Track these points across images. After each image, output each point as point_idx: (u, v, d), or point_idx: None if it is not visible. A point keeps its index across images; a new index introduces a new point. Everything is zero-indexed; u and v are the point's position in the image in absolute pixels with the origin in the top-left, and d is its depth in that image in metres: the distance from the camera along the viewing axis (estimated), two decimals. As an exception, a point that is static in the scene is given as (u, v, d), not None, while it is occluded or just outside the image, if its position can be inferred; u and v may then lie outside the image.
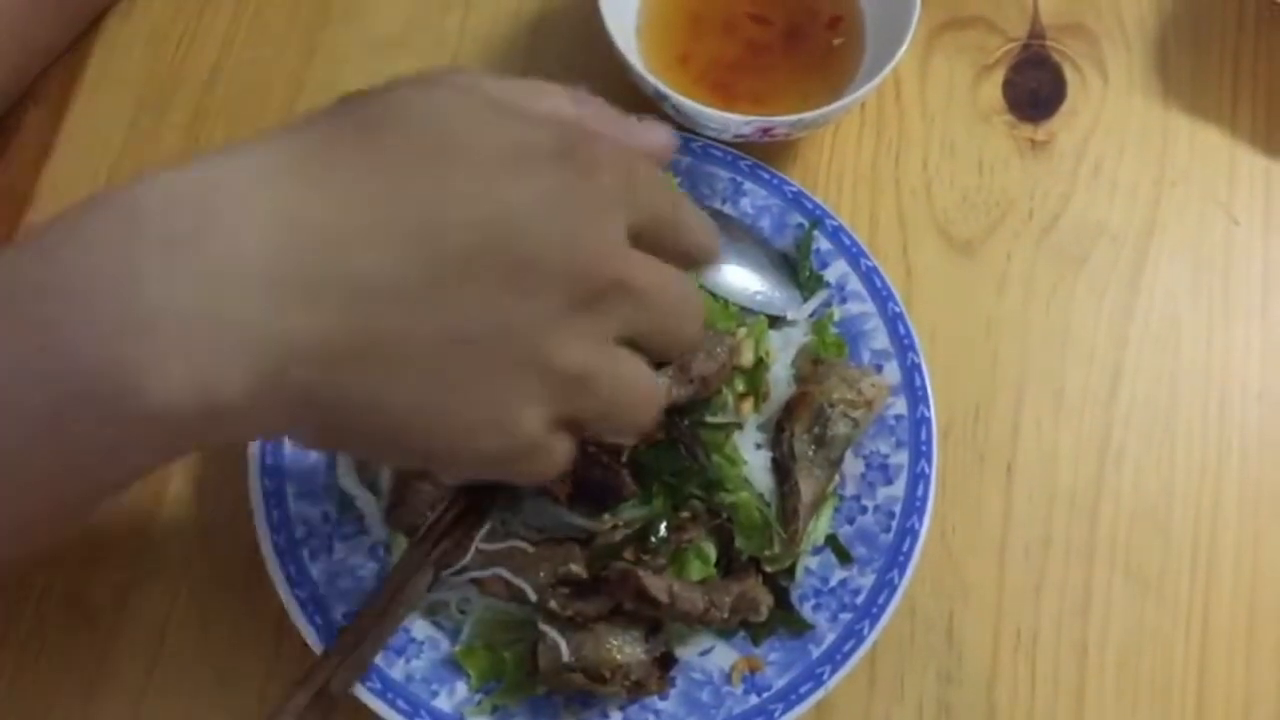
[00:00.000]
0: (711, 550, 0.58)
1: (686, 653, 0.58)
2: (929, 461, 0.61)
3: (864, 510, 0.61)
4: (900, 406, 0.62)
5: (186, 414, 0.35)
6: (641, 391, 0.42)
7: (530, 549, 0.57)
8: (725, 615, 0.56)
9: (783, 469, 0.59)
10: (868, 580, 0.59)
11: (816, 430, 0.59)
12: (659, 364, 0.50)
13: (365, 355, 0.37)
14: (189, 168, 0.37)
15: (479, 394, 0.39)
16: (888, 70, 0.64)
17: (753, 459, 0.59)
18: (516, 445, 0.40)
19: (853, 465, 0.61)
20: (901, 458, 0.61)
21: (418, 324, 0.38)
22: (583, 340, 0.39)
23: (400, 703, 0.56)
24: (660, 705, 0.57)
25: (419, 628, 0.58)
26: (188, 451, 0.41)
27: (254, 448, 0.59)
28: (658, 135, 0.46)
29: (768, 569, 0.58)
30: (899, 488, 0.60)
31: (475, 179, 0.38)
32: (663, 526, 0.57)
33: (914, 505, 0.60)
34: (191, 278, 0.35)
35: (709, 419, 0.58)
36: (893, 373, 0.63)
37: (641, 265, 0.40)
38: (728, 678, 0.58)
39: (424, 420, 0.39)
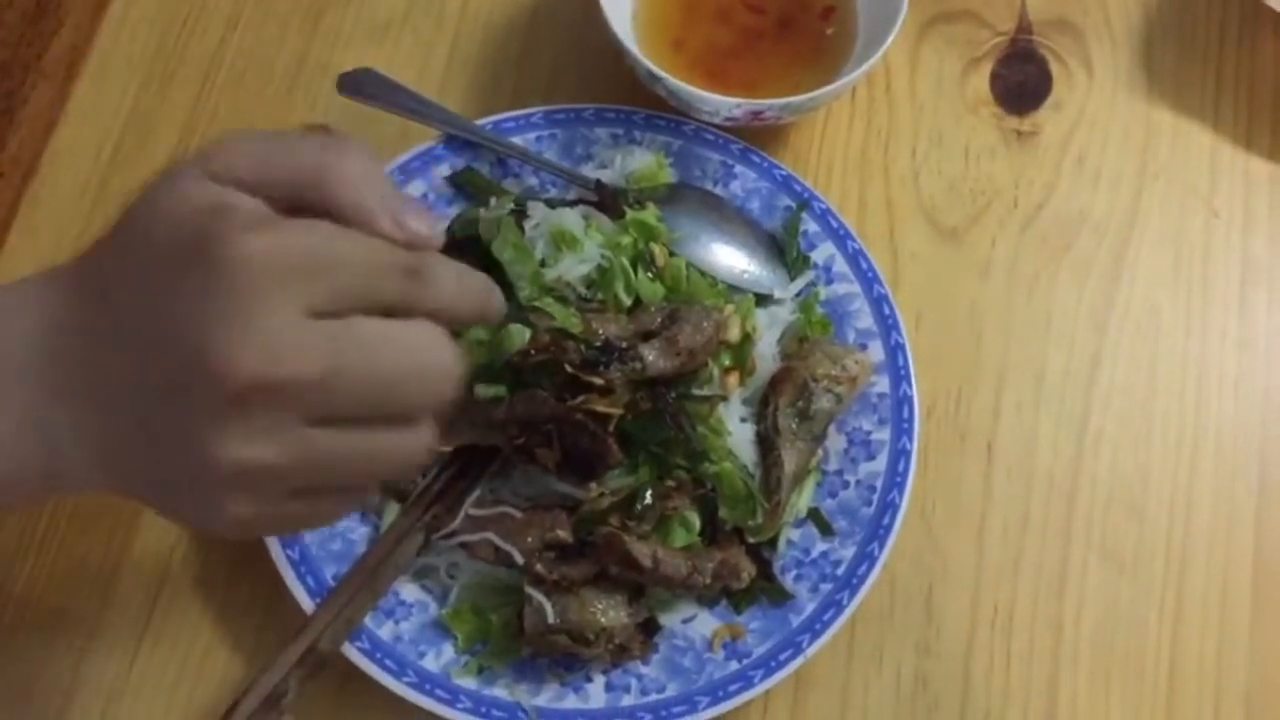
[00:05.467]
0: (695, 519, 0.59)
1: (669, 620, 0.60)
2: (910, 438, 0.62)
3: (846, 484, 0.62)
4: (883, 384, 0.63)
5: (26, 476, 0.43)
6: (375, 454, 0.41)
7: (518, 515, 0.58)
8: (707, 581, 0.57)
9: (766, 442, 0.61)
10: (848, 552, 0.60)
11: (800, 404, 0.61)
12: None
13: (116, 454, 0.42)
14: None
15: (187, 493, 0.41)
16: (876, 58, 0.66)
17: (737, 432, 0.61)
18: (242, 526, 0.41)
19: (835, 440, 0.63)
20: (884, 434, 0.62)
21: (129, 435, 0.41)
22: (240, 439, 0.38)
23: (388, 662, 0.57)
24: (643, 670, 0.58)
25: (408, 590, 0.60)
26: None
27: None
28: (410, 222, 0.41)
29: (750, 539, 0.60)
30: (880, 463, 0.62)
31: (141, 293, 0.40)
32: (648, 495, 0.58)
33: (895, 480, 0.61)
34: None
35: (695, 391, 0.60)
36: (877, 352, 0.64)
37: (312, 350, 0.38)
38: (709, 644, 0.59)
39: (178, 512, 0.44)
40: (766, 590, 0.60)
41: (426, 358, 0.40)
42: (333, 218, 0.40)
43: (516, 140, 0.67)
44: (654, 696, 0.57)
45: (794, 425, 0.61)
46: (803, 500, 0.61)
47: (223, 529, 0.41)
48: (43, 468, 0.42)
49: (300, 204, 0.40)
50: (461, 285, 0.42)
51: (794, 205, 0.67)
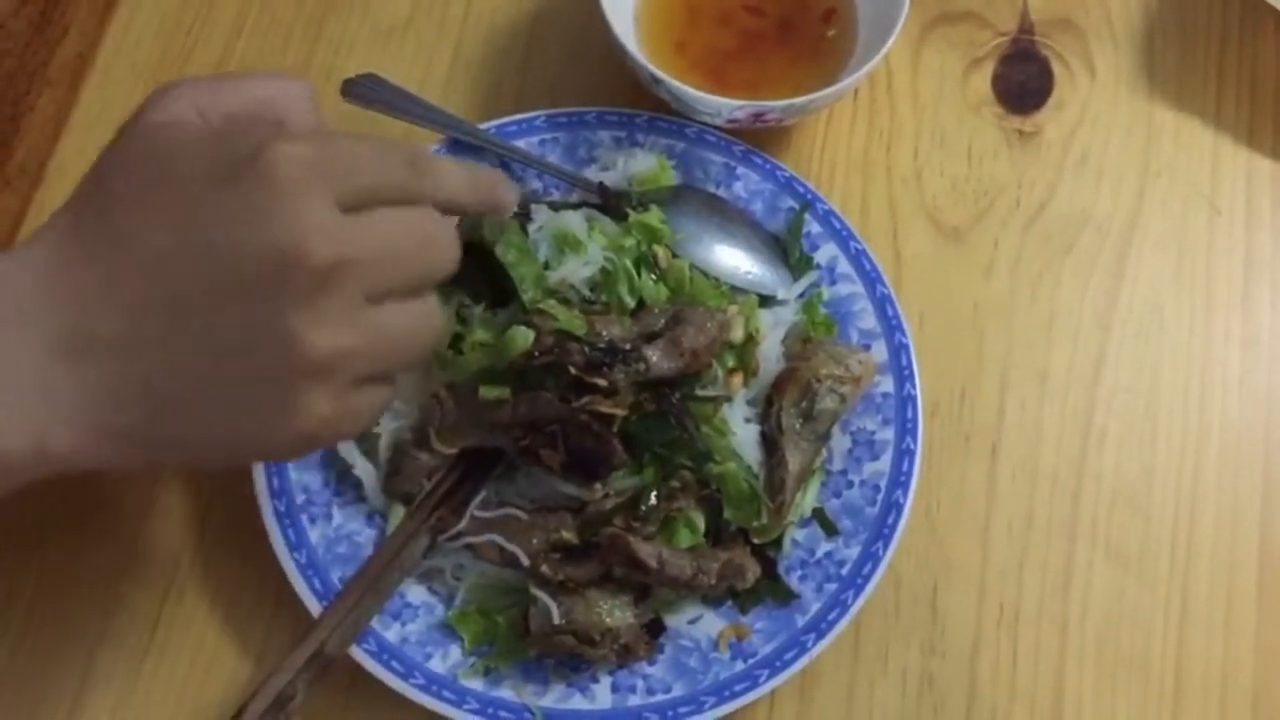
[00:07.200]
0: (700, 520, 0.59)
1: (675, 620, 0.60)
2: (914, 438, 0.62)
3: (850, 484, 0.62)
4: (887, 384, 0.63)
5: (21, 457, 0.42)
6: (411, 329, 0.45)
7: (524, 516, 0.59)
8: (712, 581, 0.57)
9: (770, 442, 0.61)
10: (853, 552, 0.60)
11: (804, 405, 0.61)
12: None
13: (145, 399, 0.42)
14: None
15: (258, 404, 0.42)
16: (877, 59, 0.66)
17: (742, 432, 0.61)
18: (316, 425, 0.43)
19: (840, 441, 0.63)
20: (888, 434, 0.62)
21: (175, 362, 0.42)
22: (324, 324, 0.41)
23: (395, 664, 0.57)
24: (649, 670, 0.58)
25: (414, 593, 0.60)
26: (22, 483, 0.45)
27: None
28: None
29: (755, 539, 0.60)
30: (885, 463, 0.62)
31: (177, 208, 0.42)
32: (653, 495, 0.58)
33: (899, 480, 0.61)
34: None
35: (698, 392, 0.60)
36: (880, 352, 0.64)
37: (358, 232, 0.42)
38: (715, 644, 0.59)
39: (224, 441, 0.44)
40: (771, 590, 0.60)
41: (437, 233, 0.45)
42: None
43: (519, 144, 0.68)
44: (660, 697, 0.58)
45: (798, 425, 0.61)
46: (807, 500, 0.61)
47: (291, 439, 0.43)
48: (33, 442, 0.42)
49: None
50: (462, 175, 0.48)
51: (797, 206, 0.67)
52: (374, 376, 0.45)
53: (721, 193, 0.68)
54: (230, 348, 0.41)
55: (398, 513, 0.60)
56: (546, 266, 0.61)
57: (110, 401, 0.42)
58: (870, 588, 0.59)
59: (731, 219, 0.66)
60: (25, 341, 0.41)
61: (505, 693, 0.57)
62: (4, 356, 0.41)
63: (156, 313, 0.41)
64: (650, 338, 0.59)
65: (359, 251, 0.41)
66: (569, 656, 0.58)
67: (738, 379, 0.61)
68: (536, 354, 0.57)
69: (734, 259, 0.65)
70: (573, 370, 0.57)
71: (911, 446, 0.62)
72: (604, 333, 0.58)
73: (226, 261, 0.41)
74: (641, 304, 0.61)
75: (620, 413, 0.57)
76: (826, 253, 0.66)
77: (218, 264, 0.41)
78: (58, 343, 0.41)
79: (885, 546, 0.60)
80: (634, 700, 0.58)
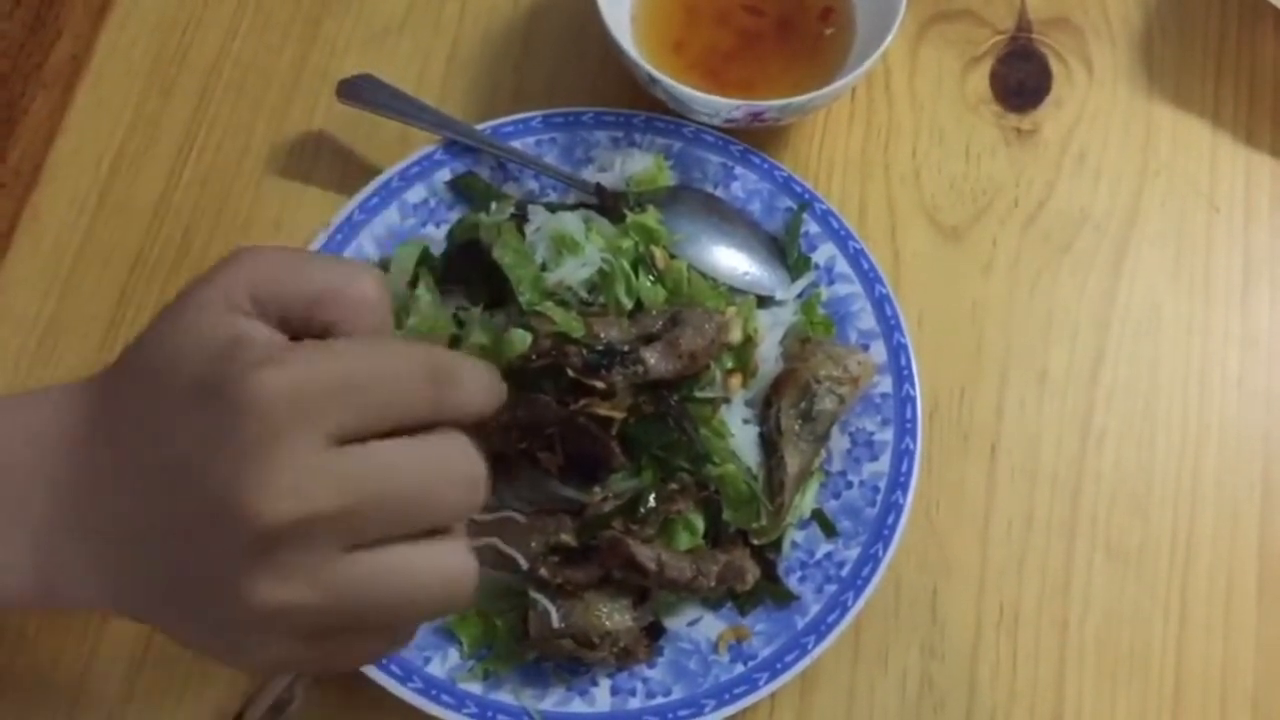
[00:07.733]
0: (699, 522, 0.59)
1: (674, 623, 0.60)
2: (913, 438, 0.62)
3: (849, 485, 0.62)
4: (886, 385, 0.63)
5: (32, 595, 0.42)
6: (414, 584, 0.39)
7: (522, 519, 0.58)
8: (712, 584, 0.57)
9: (769, 443, 0.61)
10: (852, 553, 0.60)
11: (803, 406, 0.61)
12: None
13: (137, 592, 0.41)
14: None
15: (220, 634, 0.40)
16: (874, 59, 0.66)
17: (740, 434, 0.61)
18: (277, 668, 0.42)
19: (839, 442, 0.63)
20: (887, 434, 0.62)
21: (148, 575, 0.40)
22: (271, 578, 0.37)
23: (394, 668, 0.57)
24: (648, 673, 0.58)
25: (413, 596, 0.60)
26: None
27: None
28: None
29: (755, 541, 0.60)
30: (884, 463, 0.62)
31: (163, 416, 0.39)
32: (651, 498, 0.58)
33: (898, 480, 0.61)
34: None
35: (697, 394, 0.60)
36: (879, 352, 0.64)
37: (346, 477, 0.37)
38: (714, 647, 0.59)
39: (188, 641, 0.43)
40: (771, 592, 0.60)
41: (453, 469, 0.39)
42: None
43: (516, 144, 0.67)
44: (660, 700, 0.58)
45: (797, 426, 0.61)
46: (806, 501, 0.61)
47: (254, 668, 0.41)
48: (43, 586, 0.41)
49: (311, 322, 0.40)
50: (482, 379, 0.41)
51: (795, 206, 0.67)
52: (361, 630, 0.40)
53: (719, 193, 0.67)
54: (185, 581, 0.39)
55: (396, 516, 0.60)
56: (544, 268, 0.61)
57: (108, 575, 0.41)
58: (870, 589, 0.59)
59: (729, 219, 0.66)
60: (40, 494, 0.41)
61: (504, 696, 0.57)
62: (20, 505, 0.41)
63: (131, 521, 0.39)
64: (648, 339, 0.59)
65: (342, 499, 0.36)
66: (568, 660, 0.57)
67: (736, 380, 0.61)
68: (534, 356, 0.57)
69: (732, 259, 0.65)
70: (570, 372, 0.56)
71: (910, 447, 0.62)
72: (602, 335, 0.58)
73: (182, 491, 0.38)
74: (639, 305, 0.61)
75: (618, 415, 0.57)
76: (825, 253, 0.66)
77: (176, 500, 0.38)
78: (65, 511, 0.40)
79: (885, 547, 0.60)
80: (633, 703, 0.57)
